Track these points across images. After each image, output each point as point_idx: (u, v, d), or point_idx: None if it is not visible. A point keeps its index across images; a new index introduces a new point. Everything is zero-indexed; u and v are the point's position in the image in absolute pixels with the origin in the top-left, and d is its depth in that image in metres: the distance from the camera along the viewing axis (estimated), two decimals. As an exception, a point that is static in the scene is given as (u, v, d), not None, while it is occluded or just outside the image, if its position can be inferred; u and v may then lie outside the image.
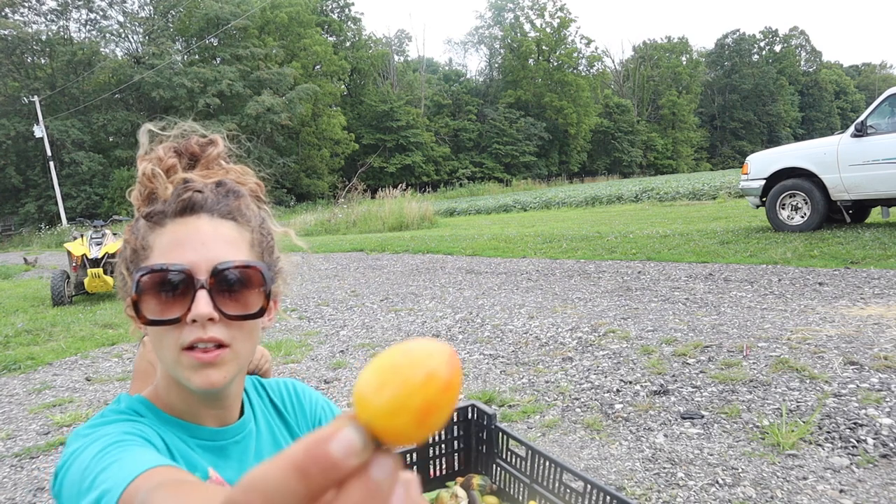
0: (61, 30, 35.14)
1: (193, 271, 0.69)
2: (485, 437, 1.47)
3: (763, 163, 7.81)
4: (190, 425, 0.76)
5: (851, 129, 6.94)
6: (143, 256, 0.71)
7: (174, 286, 0.68)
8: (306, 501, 0.23)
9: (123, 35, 37.87)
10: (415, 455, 1.44)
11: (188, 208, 0.71)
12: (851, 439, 2.32)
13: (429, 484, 1.46)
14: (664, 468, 2.28)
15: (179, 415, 0.76)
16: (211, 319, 0.69)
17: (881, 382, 2.77)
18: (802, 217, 7.48)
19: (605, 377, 3.28)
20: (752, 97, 69.57)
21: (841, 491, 2.01)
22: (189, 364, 0.69)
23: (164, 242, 0.70)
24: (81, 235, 8.06)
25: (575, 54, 58.50)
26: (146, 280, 0.68)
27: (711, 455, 2.33)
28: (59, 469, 0.65)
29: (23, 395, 4.02)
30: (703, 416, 2.67)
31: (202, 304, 0.68)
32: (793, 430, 2.40)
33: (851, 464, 2.17)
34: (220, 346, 0.70)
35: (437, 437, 1.47)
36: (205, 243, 0.70)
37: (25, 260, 15.02)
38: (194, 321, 0.68)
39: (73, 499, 0.60)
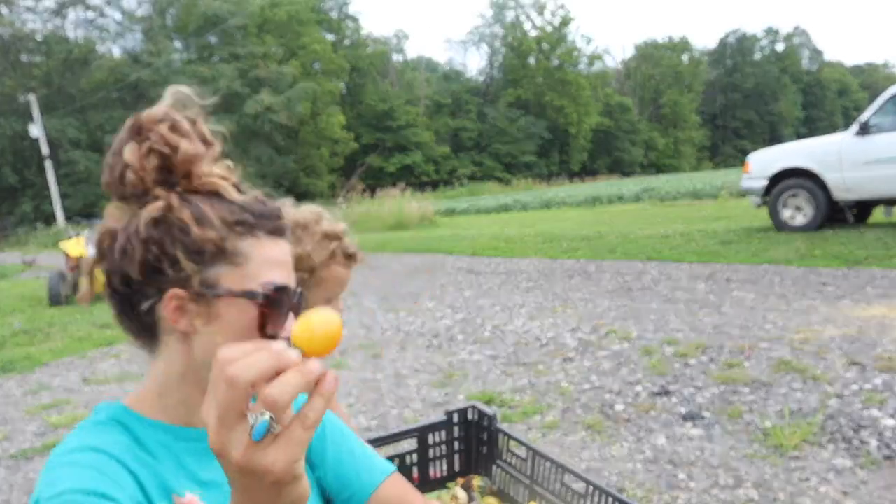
0: (57, 28, 35.10)
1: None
2: (485, 438, 1.45)
3: (765, 162, 7.77)
4: (176, 428, 0.74)
5: (854, 127, 6.90)
6: (234, 261, 0.69)
7: (284, 305, 0.71)
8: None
9: (121, 33, 37.85)
10: (415, 456, 1.43)
11: (278, 230, 0.74)
12: (854, 441, 2.30)
13: (429, 485, 1.44)
14: (665, 469, 2.26)
15: (171, 420, 0.74)
16: None
17: (884, 383, 2.75)
18: (805, 217, 7.44)
19: (606, 378, 3.26)
20: (754, 96, 69.42)
21: (844, 493, 1.99)
22: None
23: (262, 257, 0.71)
24: (77, 234, 8.04)
25: (575, 53, 58.39)
26: (274, 295, 0.70)
27: (713, 456, 2.31)
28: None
29: (19, 396, 4.00)
30: (704, 418, 2.65)
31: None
32: (795, 432, 2.38)
33: (854, 465, 2.15)
34: None
35: (437, 439, 1.45)
36: (290, 268, 0.75)
37: (24, 261, 14.96)
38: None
39: None
